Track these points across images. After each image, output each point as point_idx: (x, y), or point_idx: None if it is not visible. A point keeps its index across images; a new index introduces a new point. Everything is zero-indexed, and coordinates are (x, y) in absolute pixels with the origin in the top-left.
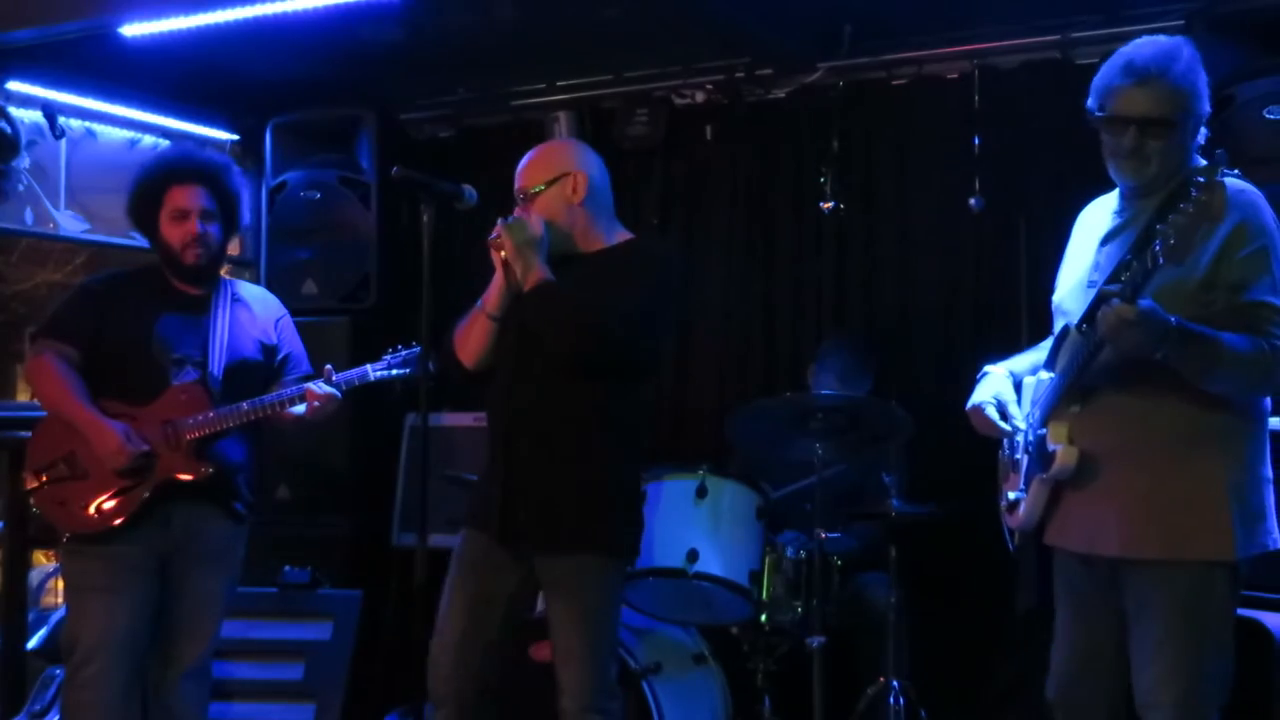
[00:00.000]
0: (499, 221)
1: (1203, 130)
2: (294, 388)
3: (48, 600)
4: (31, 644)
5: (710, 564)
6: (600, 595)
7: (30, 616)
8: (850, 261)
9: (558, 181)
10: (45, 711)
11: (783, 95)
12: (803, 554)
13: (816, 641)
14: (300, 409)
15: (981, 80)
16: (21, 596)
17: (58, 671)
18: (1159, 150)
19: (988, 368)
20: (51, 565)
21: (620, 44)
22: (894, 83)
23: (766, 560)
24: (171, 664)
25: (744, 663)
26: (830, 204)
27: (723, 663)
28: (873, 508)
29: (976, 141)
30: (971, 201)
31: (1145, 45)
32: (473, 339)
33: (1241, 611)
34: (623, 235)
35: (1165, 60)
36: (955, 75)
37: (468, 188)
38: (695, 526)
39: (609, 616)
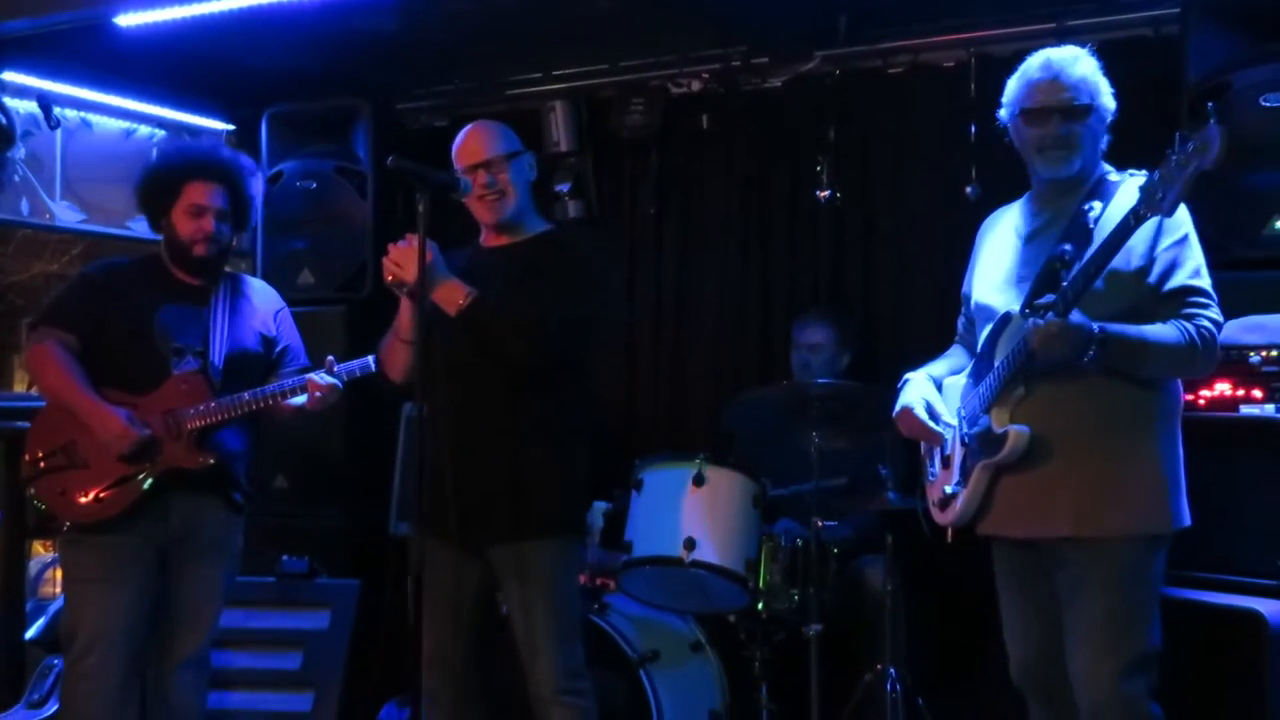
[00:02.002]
0: (386, 258)
1: (1106, 136)
2: (296, 378)
3: (46, 590)
4: (30, 634)
5: (707, 552)
6: (561, 576)
7: (29, 606)
8: (847, 250)
9: (520, 155)
10: (44, 701)
11: (779, 84)
12: (799, 542)
13: (813, 629)
14: (301, 400)
15: (978, 68)
16: (20, 586)
17: (56, 661)
18: (1080, 136)
19: (908, 374)
20: (49, 555)
21: (616, 33)
22: (890, 71)
23: (763, 548)
24: (170, 654)
25: (741, 651)
26: (827, 193)
27: (720, 651)
28: (869, 500)
29: (973, 130)
30: (968, 190)
31: (1053, 51)
32: (397, 361)
33: (1236, 599)
34: (542, 225)
35: (1074, 56)
36: (951, 64)
37: (463, 177)
38: (692, 515)
39: (571, 597)
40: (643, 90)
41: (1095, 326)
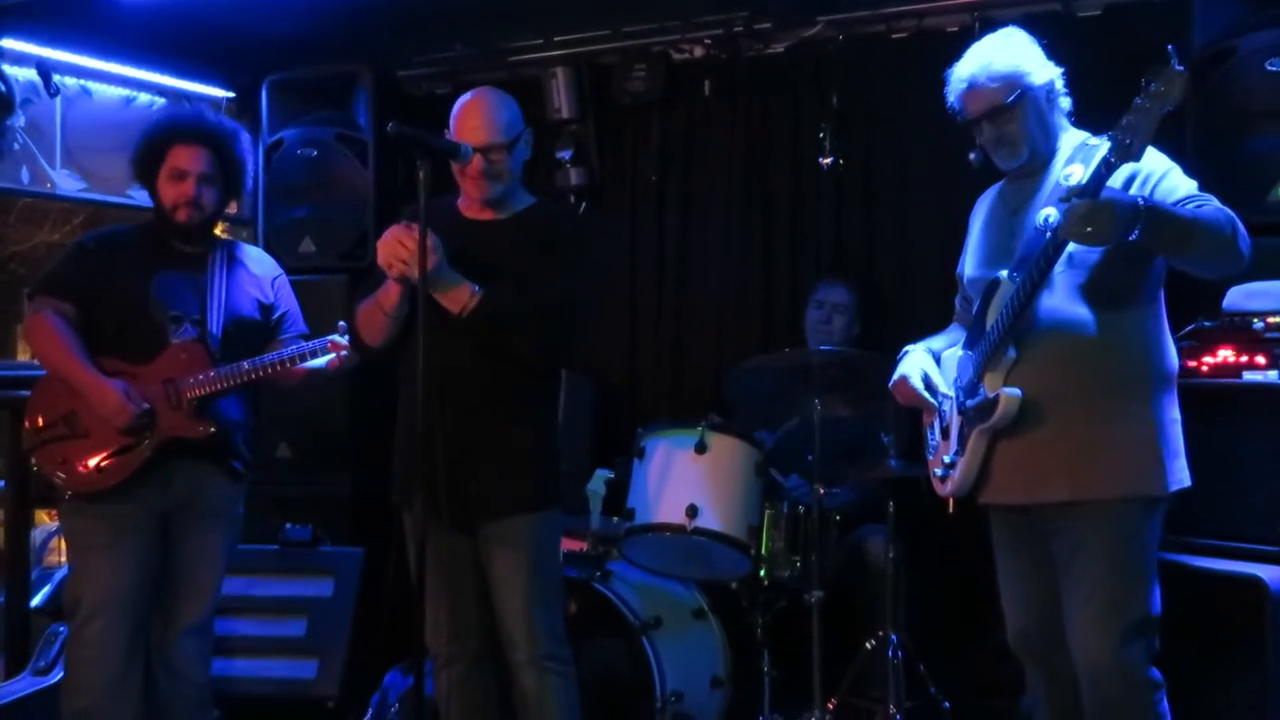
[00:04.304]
0: (393, 252)
1: (1064, 98)
2: (294, 346)
3: (51, 559)
4: (35, 601)
5: (709, 519)
6: (545, 544)
7: (34, 575)
8: (849, 217)
9: (519, 140)
10: (49, 668)
11: (782, 50)
12: (801, 509)
13: (815, 596)
14: (320, 362)
15: (982, 33)
16: (24, 555)
17: (61, 629)
18: (1016, 131)
19: (908, 347)
20: (54, 524)
21: None
22: (894, 36)
23: (765, 515)
24: (173, 622)
25: (743, 617)
26: (829, 159)
27: (722, 617)
28: (871, 468)
29: None
30: (971, 156)
31: (972, 51)
32: (376, 329)
33: (1239, 565)
34: (527, 198)
35: (991, 51)
36: (956, 29)
37: (464, 144)
38: (695, 482)
39: (554, 564)
40: (645, 56)
41: (1140, 199)
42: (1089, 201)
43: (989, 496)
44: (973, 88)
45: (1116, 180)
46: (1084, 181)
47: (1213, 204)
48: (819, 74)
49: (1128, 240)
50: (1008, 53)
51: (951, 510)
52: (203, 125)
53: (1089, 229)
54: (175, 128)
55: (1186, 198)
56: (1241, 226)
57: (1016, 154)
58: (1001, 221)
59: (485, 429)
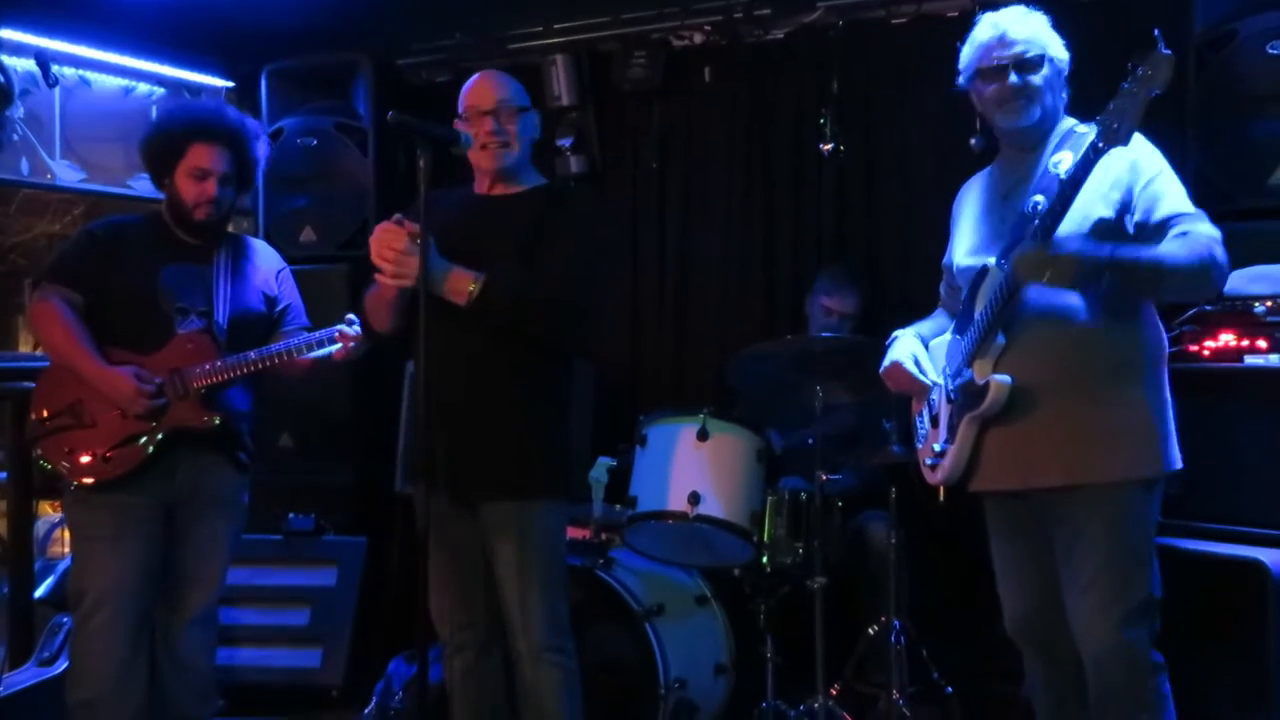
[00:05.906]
0: (383, 263)
1: (1066, 88)
2: (302, 336)
3: (54, 550)
4: (39, 592)
5: (712, 507)
6: (551, 534)
7: (37, 566)
8: (850, 203)
9: (529, 110)
10: (54, 659)
11: (782, 35)
12: (803, 496)
13: (818, 582)
14: (325, 352)
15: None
16: (28, 546)
17: (65, 619)
18: (1037, 86)
19: (896, 332)
20: (57, 515)
21: None
22: (894, 21)
23: (768, 502)
24: (178, 611)
25: (746, 604)
26: (830, 145)
27: (725, 604)
28: (873, 454)
29: None
30: (972, 141)
31: (994, 14)
32: (382, 317)
33: (1240, 549)
34: (540, 179)
35: (1020, 14)
36: (955, 14)
37: (464, 132)
38: (697, 469)
39: (559, 555)
40: (644, 43)
41: (1105, 252)
42: (1039, 251)
43: (981, 484)
44: (1005, 35)
45: (1115, 170)
46: (1037, 226)
47: (1196, 229)
48: (819, 60)
49: (1098, 285)
50: (1040, 21)
51: (942, 498)
52: (226, 124)
53: (1035, 273)
54: (198, 124)
55: (1171, 217)
56: (1221, 252)
57: (1028, 110)
58: (992, 207)
59: (493, 412)
